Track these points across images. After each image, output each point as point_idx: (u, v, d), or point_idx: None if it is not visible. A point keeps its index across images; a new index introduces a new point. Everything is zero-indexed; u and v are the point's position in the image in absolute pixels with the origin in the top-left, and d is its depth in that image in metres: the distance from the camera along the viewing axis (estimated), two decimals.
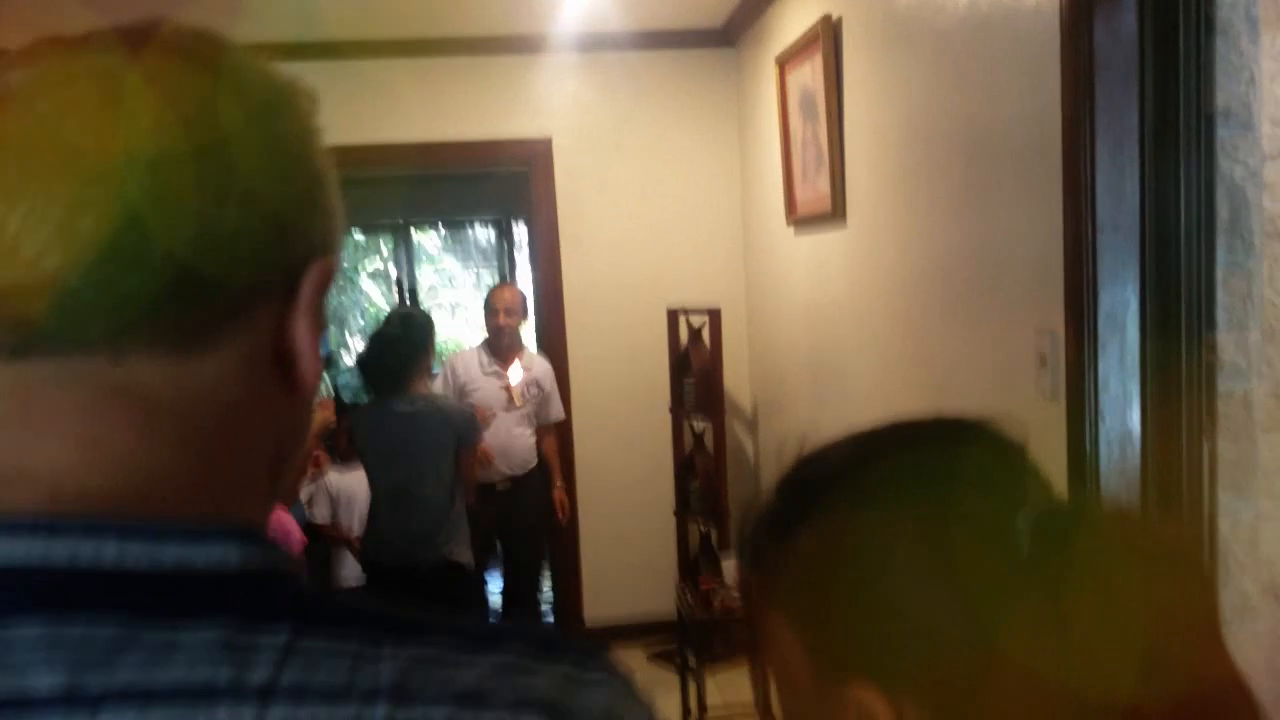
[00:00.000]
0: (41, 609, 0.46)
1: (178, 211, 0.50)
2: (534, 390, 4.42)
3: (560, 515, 4.59)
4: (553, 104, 4.51)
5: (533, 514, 4.46)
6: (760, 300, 4.47)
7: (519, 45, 4.40)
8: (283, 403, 0.57)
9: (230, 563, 0.49)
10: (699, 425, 4.40)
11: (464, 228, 8.45)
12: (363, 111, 4.37)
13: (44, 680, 0.45)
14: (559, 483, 4.58)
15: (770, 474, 4.43)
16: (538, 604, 4.74)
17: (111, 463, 0.51)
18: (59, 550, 0.47)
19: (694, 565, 4.37)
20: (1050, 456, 2.09)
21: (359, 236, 8.46)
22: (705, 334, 4.27)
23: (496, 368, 4.42)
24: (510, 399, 4.27)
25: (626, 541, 4.67)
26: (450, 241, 8.81)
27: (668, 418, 4.47)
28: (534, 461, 4.45)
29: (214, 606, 0.48)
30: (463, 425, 3.50)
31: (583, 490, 4.71)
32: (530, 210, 4.84)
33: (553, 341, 4.67)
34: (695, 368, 4.34)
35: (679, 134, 4.59)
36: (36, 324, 0.50)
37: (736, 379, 4.62)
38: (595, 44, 4.43)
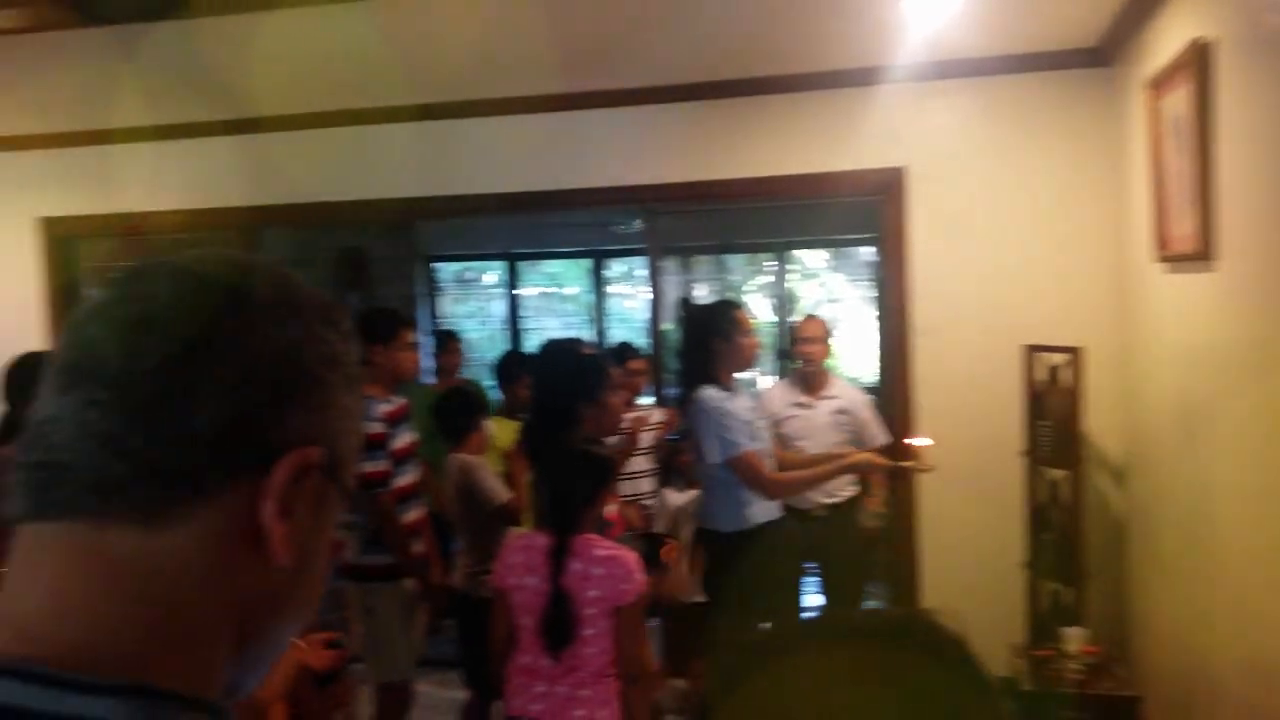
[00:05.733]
0: None
1: (159, 415, 0.58)
2: (843, 418, 4.47)
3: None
4: (908, 133, 4.36)
5: (853, 542, 4.40)
6: (1131, 342, 4.05)
7: (874, 76, 4.29)
8: (256, 575, 0.62)
9: (106, 718, 0.55)
10: (1054, 474, 4.07)
11: (849, 246, 8.69)
12: (727, 148, 4.52)
13: None
14: (875, 493, 4.54)
15: (1139, 533, 4.01)
16: None
17: (73, 613, 0.58)
18: None
19: (1043, 627, 4.05)
20: None
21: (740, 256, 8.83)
22: (1065, 375, 3.94)
23: (804, 399, 4.51)
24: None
25: (970, 593, 4.40)
26: (836, 259, 9.09)
27: (1018, 463, 4.17)
28: (852, 489, 4.41)
29: None
30: None
31: (926, 534, 4.51)
32: (881, 240, 4.71)
33: (896, 375, 4.51)
34: (1051, 411, 4.02)
35: (1045, 160, 4.27)
36: (49, 493, 0.59)
37: (1102, 426, 4.21)
38: (956, 69, 4.23)
